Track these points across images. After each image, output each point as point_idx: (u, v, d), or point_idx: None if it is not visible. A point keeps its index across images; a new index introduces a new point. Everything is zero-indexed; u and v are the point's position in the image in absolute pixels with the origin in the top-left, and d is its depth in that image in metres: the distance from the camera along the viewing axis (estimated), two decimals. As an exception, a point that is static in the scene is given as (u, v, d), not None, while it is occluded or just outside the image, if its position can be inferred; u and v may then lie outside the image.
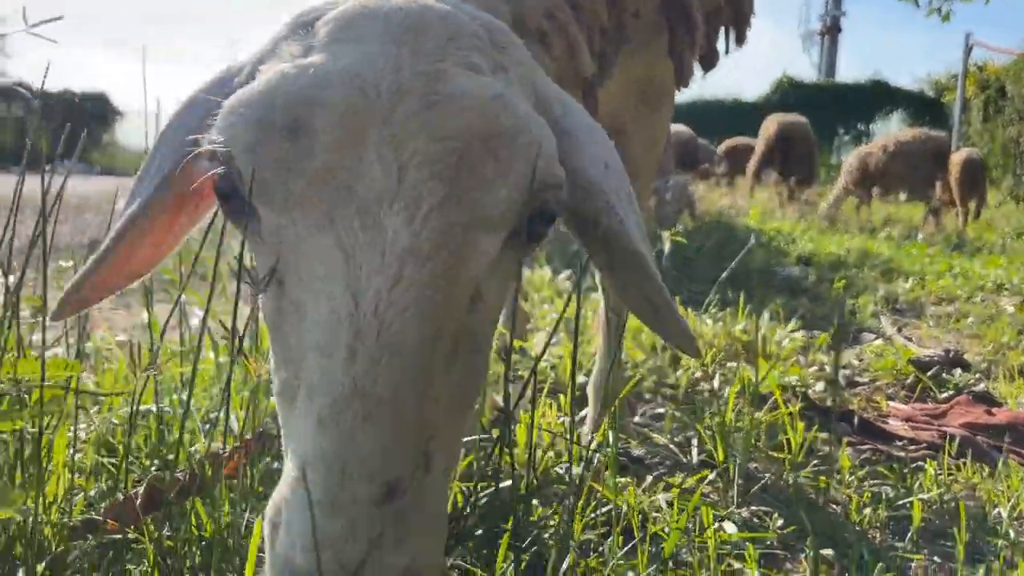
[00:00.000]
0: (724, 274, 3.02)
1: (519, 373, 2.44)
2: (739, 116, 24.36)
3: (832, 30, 31.55)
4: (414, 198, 0.77)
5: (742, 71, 19.38)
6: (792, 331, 3.16)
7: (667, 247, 3.32)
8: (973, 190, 9.10)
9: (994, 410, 2.26)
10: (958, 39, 16.54)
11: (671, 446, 1.89)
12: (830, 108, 22.98)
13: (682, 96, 2.29)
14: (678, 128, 11.28)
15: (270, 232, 0.82)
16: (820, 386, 2.42)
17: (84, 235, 6.43)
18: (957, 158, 9.34)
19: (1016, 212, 14.86)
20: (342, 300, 0.76)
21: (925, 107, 24.10)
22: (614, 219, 0.97)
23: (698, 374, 2.56)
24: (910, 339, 3.54)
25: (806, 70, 32.71)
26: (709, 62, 1.82)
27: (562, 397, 2.09)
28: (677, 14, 1.60)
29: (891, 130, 24.81)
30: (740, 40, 1.87)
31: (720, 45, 1.88)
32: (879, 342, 3.28)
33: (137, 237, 1.05)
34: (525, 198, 0.82)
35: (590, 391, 2.06)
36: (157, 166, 1.02)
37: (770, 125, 10.82)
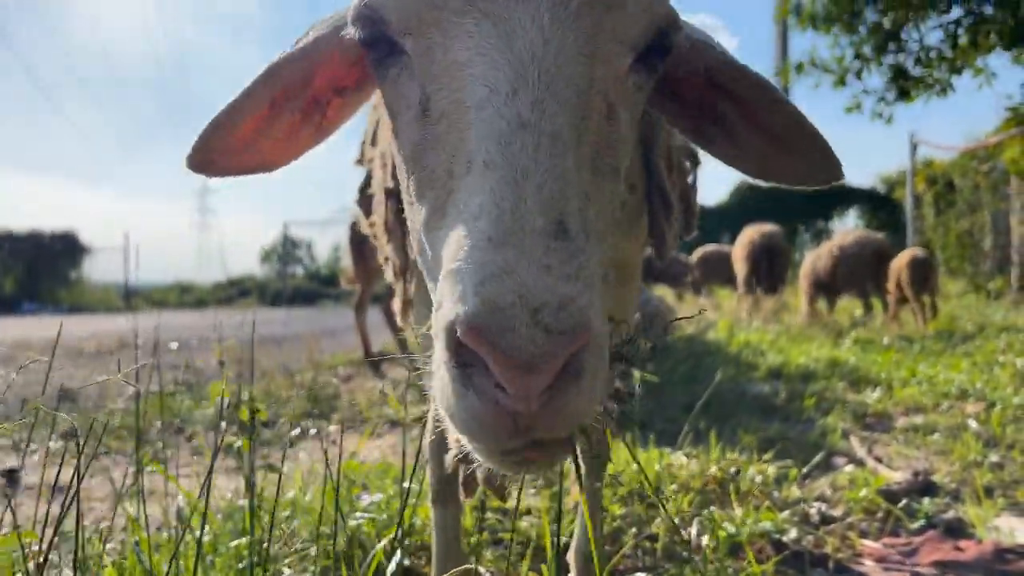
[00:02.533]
0: (696, 408, 3.12)
1: (498, 535, 2.47)
2: (702, 220, 25.06)
3: (783, 133, 32.84)
4: None
5: (704, 176, 20.05)
6: (766, 461, 3.24)
7: (638, 388, 3.40)
8: (924, 288, 9.44)
9: (962, 544, 2.33)
10: (905, 136, 17.30)
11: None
12: (788, 209, 23.70)
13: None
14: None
15: (420, 56, 0.92)
16: (794, 532, 2.48)
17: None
18: (904, 259, 9.70)
19: (976, 302, 15.24)
20: (499, 54, 0.83)
21: (879, 203, 24.95)
22: (731, 59, 1.14)
23: (676, 520, 2.61)
24: (880, 460, 3.62)
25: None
26: (663, 252, 1.98)
27: (544, 568, 2.12)
28: (659, 198, 1.77)
29: (848, 227, 25.64)
30: (689, 230, 2.03)
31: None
32: (850, 468, 3.36)
33: (267, 114, 1.16)
34: (649, 23, 0.95)
35: (572, 558, 2.10)
36: (298, 47, 1.14)
37: (753, 236, 11.01)
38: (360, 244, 7.34)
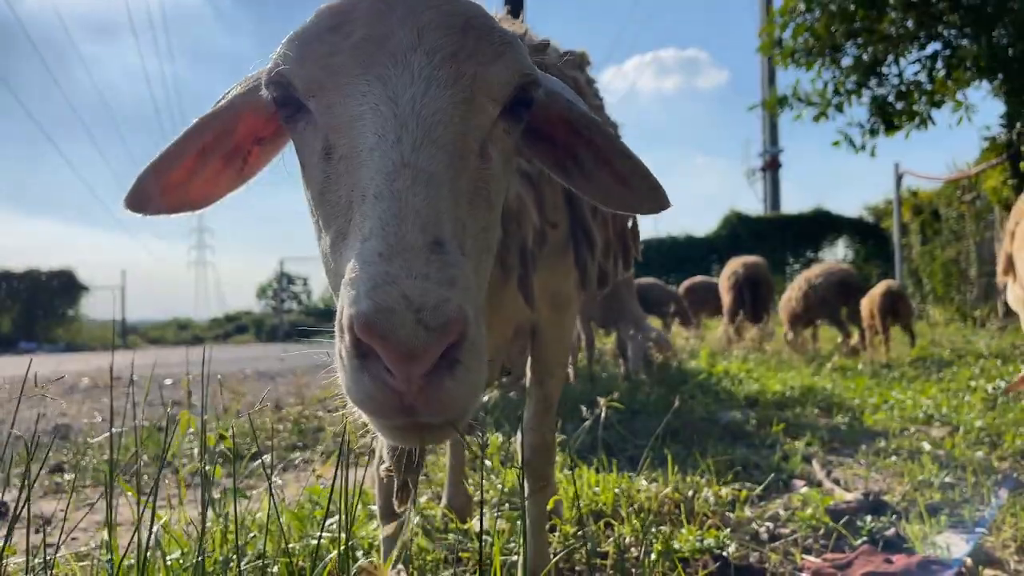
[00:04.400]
0: (656, 432, 3.27)
1: (458, 554, 2.60)
2: (693, 251, 25.32)
3: (772, 165, 33.24)
4: (432, 48, 1.09)
5: (694, 206, 20.31)
6: (725, 483, 3.38)
7: (603, 413, 3.55)
8: (895, 319, 9.98)
9: (893, 557, 2.46)
10: (891, 166, 17.59)
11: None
12: (778, 239, 23.95)
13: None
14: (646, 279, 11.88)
15: (321, 113, 1.11)
16: (733, 547, 2.61)
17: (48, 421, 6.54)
18: (878, 290, 10.21)
19: (962, 330, 15.39)
20: (386, 107, 1.03)
21: (867, 233, 25.20)
22: (583, 111, 1.34)
23: (628, 539, 2.74)
24: (839, 482, 3.76)
25: (753, 203, 34.15)
26: (604, 282, 2.16)
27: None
28: (582, 234, 1.94)
29: (837, 256, 25.88)
30: (627, 266, 2.20)
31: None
32: (806, 489, 3.49)
33: (196, 159, 1.34)
34: (512, 82, 1.15)
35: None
36: (222, 104, 1.33)
37: (736, 268, 11.22)
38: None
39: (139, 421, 2.91)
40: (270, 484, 1.95)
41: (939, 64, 14.24)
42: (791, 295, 11.04)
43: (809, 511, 3.01)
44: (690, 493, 3.24)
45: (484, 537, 2.71)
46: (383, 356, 0.88)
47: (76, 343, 25.83)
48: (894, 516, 3.10)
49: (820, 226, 25.42)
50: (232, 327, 33.68)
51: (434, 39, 1.09)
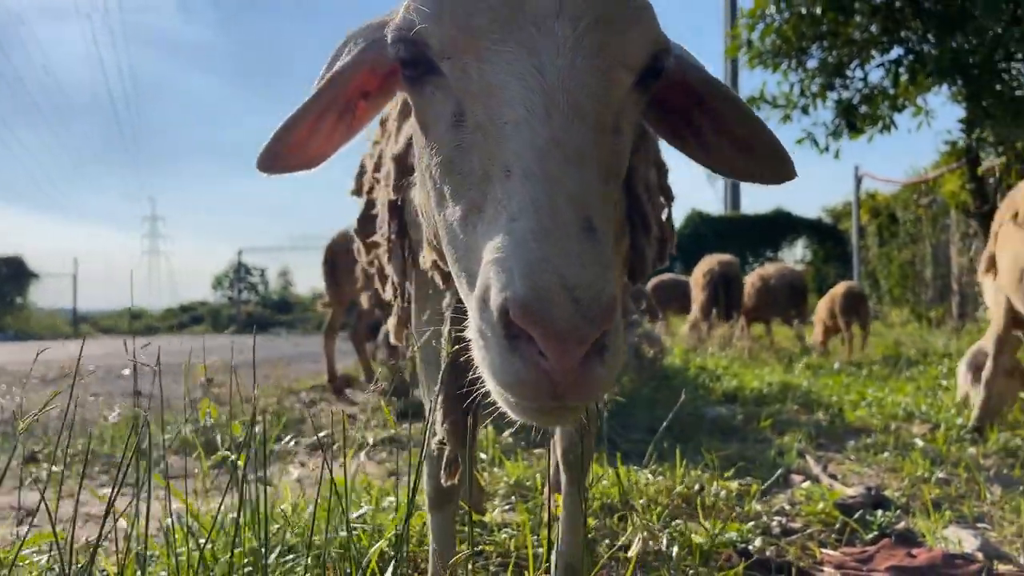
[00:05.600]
0: (661, 428, 3.26)
1: (479, 548, 2.56)
2: (655, 249, 25.47)
3: (733, 165, 33.54)
4: (575, 14, 1.03)
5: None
6: (728, 478, 3.39)
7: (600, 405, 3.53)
8: (855, 317, 10.36)
9: (915, 551, 2.48)
10: (850, 168, 17.92)
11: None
12: (738, 239, 24.23)
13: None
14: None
15: (456, 78, 1.06)
16: (759, 541, 2.62)
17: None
18: (839, 290, 10.64)
19: (918, 330, 15.74)
20: (533, 79, 0.98)
21: (826, 234, 25.62)
22: (708, 76, 1.32)
23: (645, 533, 2.73)
24: (835, 477, 3.79)
25: (713, 203, 34.50)
26: (644, 273, 2.13)
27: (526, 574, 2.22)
28: (639, 218, 1.91)
29: (796, 256, 26.28)
30: (663, 259, 2.17)
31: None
32: (807, 484, 3.51)
33: (316, 119, 1.33)
34: (647, 50, 1.11)
35: (554, 566, 2.19)
36: (344, 64, 1.30)
37: (712, 266, 11.38)
38: (333, 268, 7.38)
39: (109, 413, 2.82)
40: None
41: (902, 69, 14.51)
42: (750, 286, 11.49)
43: (820, 506, 3.03)
44: (697, 487, 3.24)
45: (508, 530, 2.68)
46: (541, 341, 0.85)
47: (25, 331, 25.13)
48: (898, 511, 3.14)
49: (780, 226, 25.75)
50: (187, 317, 33.09)
51: (576, 4, 1.04)
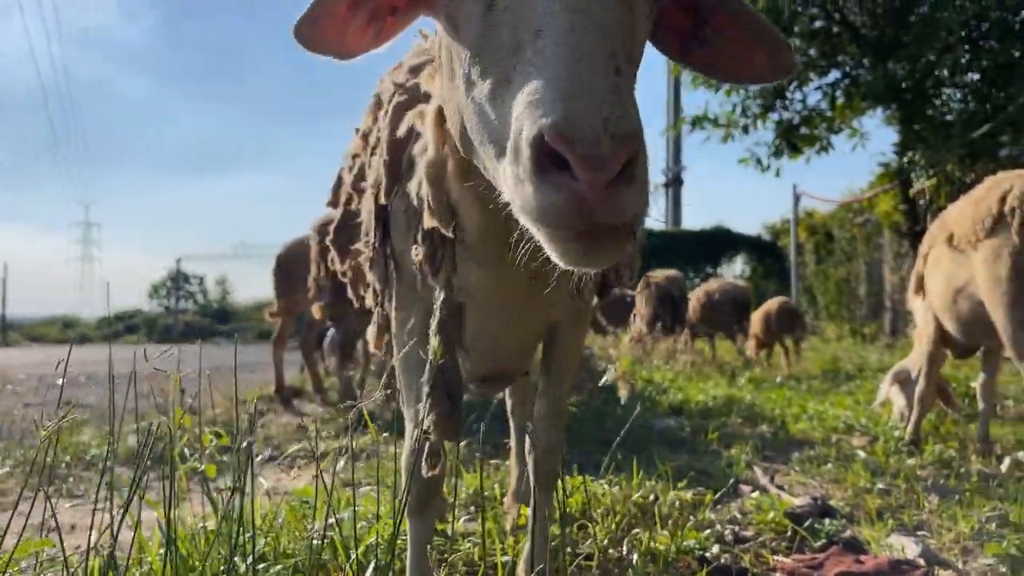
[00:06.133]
0: (616, 441, 3.34)
1: (444, 555, 2.60)
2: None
3: (675, 183, 34.21)
4: None
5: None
6: (681, 488, 3.48)
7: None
8: (789, 332, 10.82)
9: (862, 558, 2.60)
10: (790, 187, 18.41)
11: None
12: (679, 254, 24.65)
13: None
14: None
15: None
16: (715, 548, 2.70)
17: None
18: (774, 305, 11.08)
19: (853, 346, 16.21)
20: None
21: (766, 250, 26.23)
22: None
23: (605, 541, 2.79)
24: (781, 487, 3.92)
25: (655, 219, 34.92)
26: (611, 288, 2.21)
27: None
28: None
29: (736, 272, 26.84)
30: (633, 273, 2.25)
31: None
32: (756, 494, 3.63)
33: (349, 10, 1.37)
34: None
35: (522, 574, 2.24)
36: None
37: (659, 281, 11.55)
38: (286, 277, 7.33)
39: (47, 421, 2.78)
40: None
41: (839, 92, 15.00)
42: (696, 301, 11.76)
43: (771, 515, 3.14)
44: (652, 497, 3.33)
45: (472, 539, 2.71)
46: (573, 161, 0.91)
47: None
48: (843, 520, 3.27)
49: (720, 242, 26.29)
50: (121, 326, 32.24)
51: None
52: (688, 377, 8.99)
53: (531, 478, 2.27)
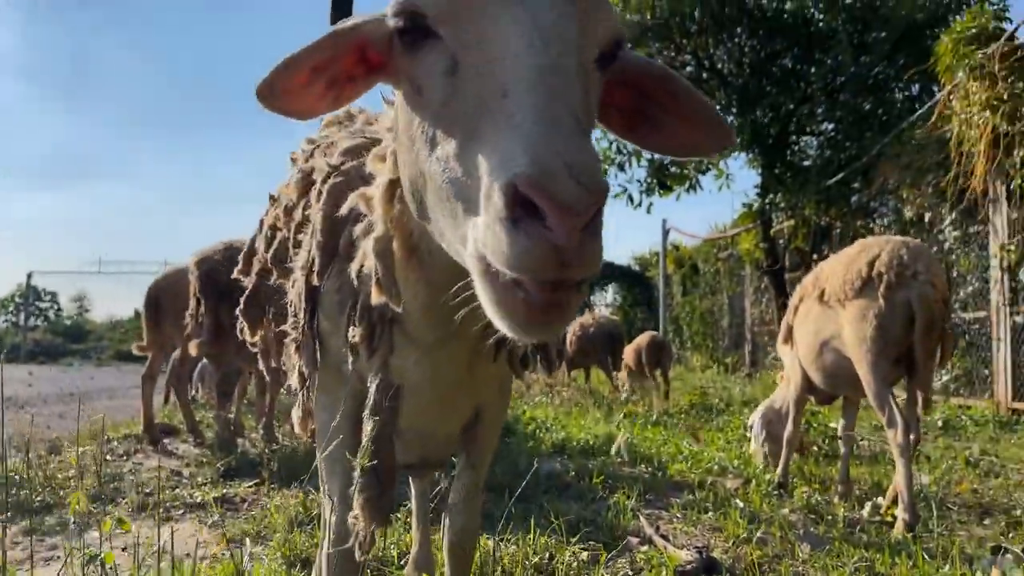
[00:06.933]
0: (515, 495, 3.38)
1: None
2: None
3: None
4: None
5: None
6: (574, 543, 3.56)
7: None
8: (658, 365, 11.41)
9: (751, 620, 2.74)
10: (659, 221, 19.17)
11: None
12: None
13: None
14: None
15: (451, 36, 1.18)
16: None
17: None
18: (644, 339, 11.68)
19: (716, 376, 16.96)
20: (529, 23, 1.11)
21: (636, 280, 27.13)
22: (654, 64, 1.49)
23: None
24: (666, 537, 4.06)
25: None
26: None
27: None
28: None
29: (607, 300, 27.61)
30: None
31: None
32: (646, 548, 3.75)
33: (310, 75, 1.41)
34: (610, 33, 1.26)
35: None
36: (341, 27, 1.41)
37: None
38: (156, 310, 7.01)
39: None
40: None
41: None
42: (568, 340, 12.05)
43: (663, 573, 3.25)
44: (548, 555, 3.39)
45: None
46: (548, 208, 0.94)
47: None
48: (727, 574, 3.43)
49: (593, 272, 27.00)
50: (-40, 344, 29.85)
51: None
52: (568, 411, 9.17)
53: (446, 559, 2.28)
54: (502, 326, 1.08)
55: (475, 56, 1.14)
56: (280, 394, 7.40)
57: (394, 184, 1.55)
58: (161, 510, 4.73)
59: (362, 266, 1.69)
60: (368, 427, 1.75)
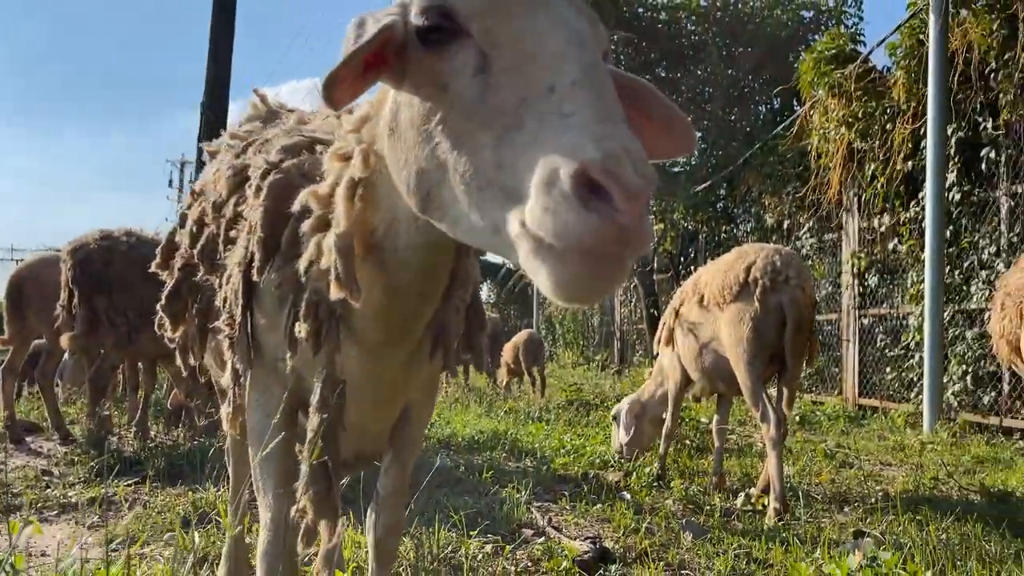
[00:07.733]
0: (413, 497, 3.43)
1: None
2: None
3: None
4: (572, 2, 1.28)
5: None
6: (472, 536, 3.65)
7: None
8: (535, 362, 11.83)
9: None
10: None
11: None
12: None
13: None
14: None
15: (482, 34, 1.22)
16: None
17: None
18: (522, 337, 12.02)
19: (587, 373, 17.45)
20: (564, 25, 1.20)
21: (508, 278, 27.47)
22: (630, 76, 1.55)
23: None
24: (558, 528, 4.21)
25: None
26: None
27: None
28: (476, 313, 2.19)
29: (483, 297, 27.86)
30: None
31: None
32: (541, 540, 3.89)
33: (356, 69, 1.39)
34: (604, 47, 1.34)
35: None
36: (370, 31, 1.39)
37: None
38: (18, 301, 6.59)
39: None
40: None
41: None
42: None
43: (564, 564, 3.39)
44: (450, 549, 3.46)
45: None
46: (616, 192, 1.00)
47: None
48: (620, 563, 3.60)
49: (468, 269, 27.18)
50: None
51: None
52: (449, 406, 9.25)
53: (371, 556, 2.31)
54: (559, 286, 1.09)
55: (511, 54, 1.19)
56: (155, 391, 7.13)
57: (356, 183, 1.58)
58: (32, 511, 4.50)
59: (312, 262, 1.70)
60: (315, 422, 1.77)
